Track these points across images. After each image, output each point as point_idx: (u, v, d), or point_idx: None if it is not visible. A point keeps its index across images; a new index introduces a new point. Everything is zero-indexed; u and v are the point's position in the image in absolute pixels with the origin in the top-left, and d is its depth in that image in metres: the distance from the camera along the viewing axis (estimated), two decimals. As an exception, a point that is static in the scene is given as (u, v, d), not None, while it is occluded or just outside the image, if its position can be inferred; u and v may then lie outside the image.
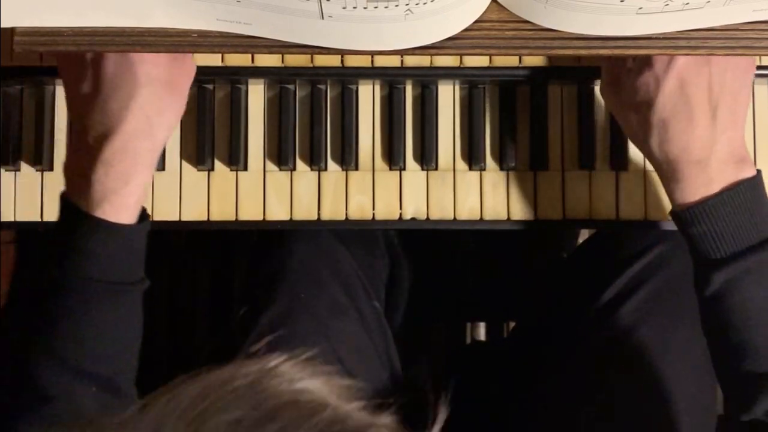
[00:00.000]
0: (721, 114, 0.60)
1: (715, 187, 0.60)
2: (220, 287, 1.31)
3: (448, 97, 0.75)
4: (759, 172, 0.61)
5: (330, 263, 0.84)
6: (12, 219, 0.74)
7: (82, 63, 0.62)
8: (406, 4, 0.59)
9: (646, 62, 0.62)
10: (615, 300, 0.77)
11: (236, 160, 0.74)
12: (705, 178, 0.60)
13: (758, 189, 0.61)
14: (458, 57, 0.73)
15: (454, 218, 0.75)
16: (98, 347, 0.62)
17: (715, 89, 0.61)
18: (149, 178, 0.63)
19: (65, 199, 0.63)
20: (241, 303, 0.85)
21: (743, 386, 0.60)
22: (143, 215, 0.63)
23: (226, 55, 0.73)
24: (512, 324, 1.29)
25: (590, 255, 0.90)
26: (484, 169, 0.75)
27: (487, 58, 0.73)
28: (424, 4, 0.59)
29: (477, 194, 0.75)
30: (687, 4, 0.61)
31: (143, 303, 0.65)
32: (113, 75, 0.61)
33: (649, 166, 0.71)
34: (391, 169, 0.75)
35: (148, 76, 0.62)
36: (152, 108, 0.62)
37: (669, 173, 0.62)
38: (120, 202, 0.61)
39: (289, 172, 0.75)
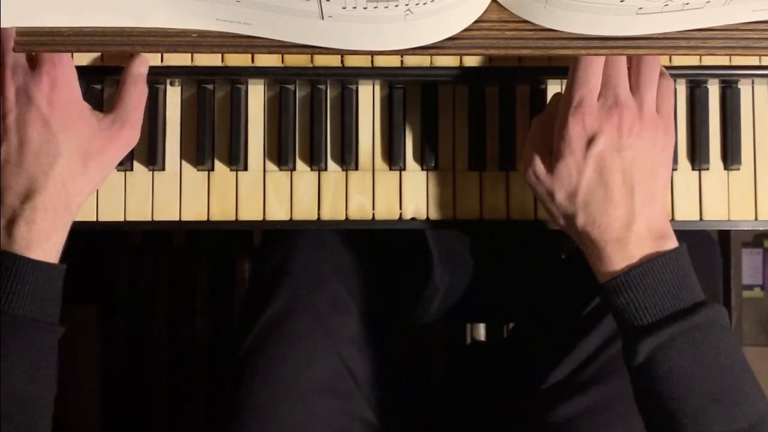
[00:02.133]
0: (638, 193, 0.63)
1: (636, 261, 0.62)
2: (220, 287, 1.31)
3: (448, 97, 0.75)
4: (682, 245, 0.63)
5: (332, 260, 0.84)
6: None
7: (2, 132, 0.65)
8: (406, 4, 0.59)
9: (566, 149, 0.64)
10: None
11: (236, 160, 0.74)
12: (625, 254, 0.63)
13: (680, 261, 0.63)
14: (458, 57, 0.73)
15: (454, 218, 0.75)
16: (5, 390, 0.62)
17: (629, 172, 0.63)
18: (65, 235, 0.67)
19: None
20: (244, 300, 0.85)
21: None
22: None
23: (226, 55, 0.73)
24: (511, 325, 1.29)
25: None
26: (484, 169, 0.75)
27: (487, 58, 0.73)
28: (424, 4, 0.59)
29: (477, 194, 0.75)
30: (687, 4, 0.61)
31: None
32: (36, 142, 0.64)
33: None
34: (391, 169, 0.75)
35: (68, 146, 0.65)
36: (69, 177, 0.66)
37: (593, 251, 0.64)
38: (42, 253, 0.64)
39: (289, 172, 0.75)
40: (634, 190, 0.63)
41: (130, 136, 0.69)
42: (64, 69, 0.66)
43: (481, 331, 1.30)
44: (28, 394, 0.63)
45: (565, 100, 0.65)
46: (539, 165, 0.66)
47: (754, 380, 0.62)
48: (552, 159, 0.65)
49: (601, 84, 0.65)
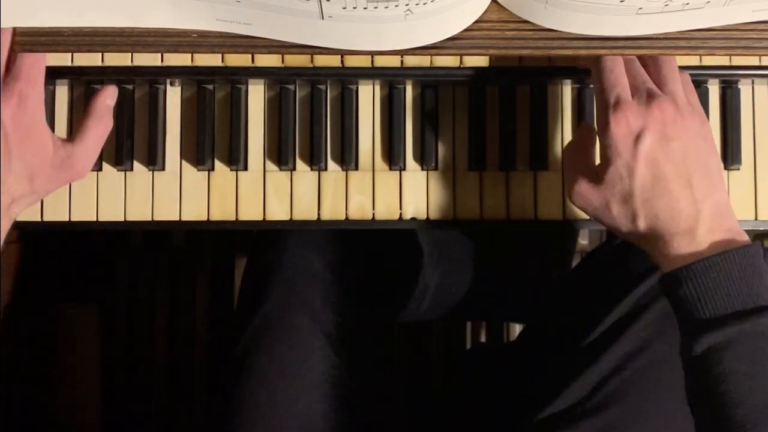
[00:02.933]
0: (696, 183, 0.62)
1: (704, 253, 0.61)
2: (220, 287, 1.31)
3: (448, 97, 0.75)
4: (756, 243, 0.61)
5: (324, 258, 0.84)
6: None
7: None
8: (406, 4, 0.59)
9: (613, 152, 0.63)
10: (628, 316, 0.77)
11: (236, 160, 0.74)
12: (693, 246, 0.61)
13: (750, 259, 0.60)
14: (458, 57, 0.73)
15: (454, 218, 0.75)
16: None
17: (682, 162, 0.62)
18: (2, 239, 0.67)
19: None
20: (238, 300, 0.85)
21: None
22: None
23: (226, 55, 0.73)
24: (511, 325, 1.29)
25: (599, 268, 0.90)
26: (485, 170, 0.75)
27: (487, 58, 0.73)
28: (424, 4, 0.59)
29: (477, 194, 0.75)
30: (687, 4, 0.61)
31: None
32: None
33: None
34: (391, 169, 0.75)
35: (21, 164, 0.66)
36: (15, 189, 0.67)
37: (659, 246, 0.63)
38: None
39: (289, 172, 0.75)
40: (692, 179, 0.62)
41: (79, 171, 0.70)
42: (36, 90, 0.67)
43: (481, 333, 1.30)
44: None
45: (600, 107, 0.64)
46: (584, 183, 0.65)
47: None
48: (599, 170, 0.64)
49: (629, 84, 0.64)
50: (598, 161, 0.66)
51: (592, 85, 0.73)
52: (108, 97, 0.72)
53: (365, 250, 0.90)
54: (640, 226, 0.63)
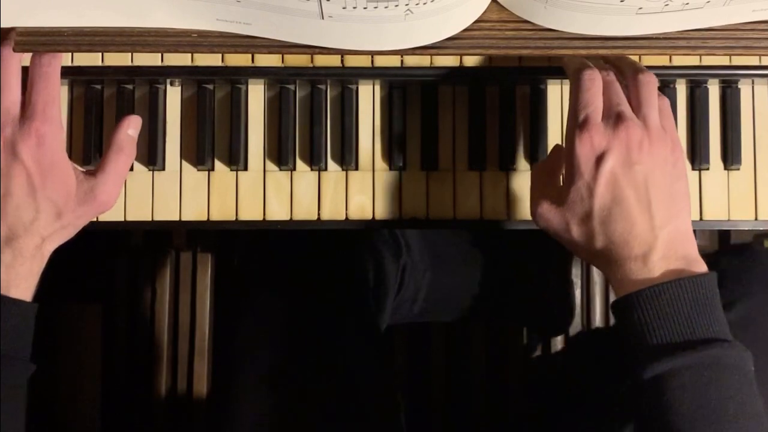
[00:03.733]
0: (656, 210, 0.61)
1: (656, 280, 0.60)
2: (221, 287, 1.31)
3: (448, 97, 0.75)
4: (711, 274, 0.61)
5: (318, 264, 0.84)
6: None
7: None
8: (406, 4, 0.59)
9: (576, 172, 0.63)
10: None
11: (236, 160, 0.74)
12: (646, 272, 0.61)
13: (703, 288, 0.60)
14: (458, 57, 0.73)
15: (454, 218, 0.75)
16: None
17: (644, 187, 0.62)
18: (37, 279, 0.68)
19: None
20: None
21: None
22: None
23: (226, 55, 0.73)
24: (510, 325, 1.29)
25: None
26: (484, 169, 0.75)
27: (487, 58, 0.73)
28: (424, 4, 0.59)
29: (477, 194, 0.75)
30: (687, 4, 0.61)
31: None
32: (18, 196, 0.66)
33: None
34: (391, 169, 0.75)
35: (47, 203, 0.66)
36: (45, 230, 0.67)
37: (613, 270, 0.62)
38: (18, 294, 0.66)
39: (289, 172, 0.75)
40: (650, 206, 0.61)
41: (103, 203, 0.69)
42: (53, 127, 0.66)
43: (482, 334, 1.30)
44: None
45: (570, 126, 0.64)
46: (546, 204, 0.65)
47: None
48: (562, 190, 0.64)
49: (603, 105, 0.64)
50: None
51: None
52: (130, 127, 0.71)
53: (353, 250, 0.90)
54: (596, 247, 0.63)
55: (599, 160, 0.62)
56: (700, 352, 0.58)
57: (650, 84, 0.65)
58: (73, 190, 0.67)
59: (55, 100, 0.67)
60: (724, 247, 0.92)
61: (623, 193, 0.61)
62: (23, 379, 0.66)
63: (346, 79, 0.74)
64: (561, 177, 0.68)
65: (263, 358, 0.81)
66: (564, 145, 0.65)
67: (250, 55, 0.73)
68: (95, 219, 0.72)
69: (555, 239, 0.66)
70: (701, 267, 0.62)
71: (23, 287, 0.66)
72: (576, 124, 0.63)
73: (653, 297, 0.60)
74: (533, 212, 0.67)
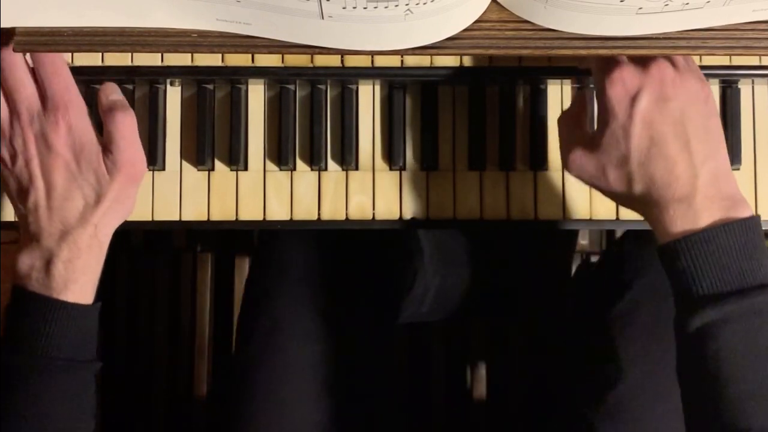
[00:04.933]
0: (695, 146, 0.59)
1: (702, 223, 0.58)
2: (221, 287, 1.31)
3: (448, 97, 0.75)
4: (756, 216, 0.59)
5: (327, 262, 0.85)
6: (12, 219, 0.74)
7: (27, 179, 0.66)
8: (406, 4, 0.59)
9: (609, 114, 0.61)
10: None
11: (236, 160, 0.74)
12: (691, 215, 0.59)
13: (750, 232, 0.58)
14: (458, 57, 0.73)
15: (454, 218, 0.75)
16: (52, 426, 0.65)
17: (681, 123, 0.60)
18: (100, 269, 0.68)
19: (21, 290, 0.66)
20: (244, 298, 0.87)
21: None
22: (97, 297, 0.68)
23: (226, 55, 0.73)
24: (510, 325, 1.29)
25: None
26: (485, 169, 0.75)
27: (487, 58, 0.73)
28: (424, 4, 0.59)
29: (477, 194, 0.75)
30: (687, 4, 0.61)
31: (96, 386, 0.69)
32: (62, 186, 0.66)
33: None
34: (391, 169, 0.75)
35: (90, 188, 0.66)
36: (95, 215, 0.66)
37: (656, 213, 0.60)
38: (78, 289, 0.66)
39: (289, 172, 0.75)
40: (689, 143, 0.59)
41: (130, 168, 0.67)
42: (77, 112, 0.66)
43: (482, 334, 1.30)
44: (71, 429, 0.66)
45: (598, 71, 0.63)
46: (579, 151, 0.63)
47: None
48: (595, 135, 0.62)
49: None
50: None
51: (592, 85, 0.73)
52: (108, 94, 0.70)
53: (364, 252, 0.91)
54: (636, 191, 0.61)
55: (633, 99, 0.60)
56: (752, 299, 0.57)
57: None
58: (104, 168, 0.67)
59: (71, 86, 0.67)
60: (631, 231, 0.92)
61: (661, 131, 0.59)
62: (87, 379, 0.67)
63: (346, 79, 0.74)
64: (587, 123, 0.67)
65: (285, 348, 0.81)
66: (595, 92, 0.64)
67: (250, 55, 0.73)
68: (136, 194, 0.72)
69: (594, 188, 0.65)
70: (746, 208, 0.59)
71: (82, 281, 0.66)
72: (604, 68, 0.62)
73: (702, 242, 0.57)
74: (565, 160, 0.65)
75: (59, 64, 0.67)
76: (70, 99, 0.66)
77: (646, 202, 0.61)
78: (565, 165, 0.65)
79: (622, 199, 0.64)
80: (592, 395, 0.79)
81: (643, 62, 0.61)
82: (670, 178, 0.59)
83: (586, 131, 0.66)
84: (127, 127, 0.68)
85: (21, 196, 0.67)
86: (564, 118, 0.68)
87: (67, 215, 0.66)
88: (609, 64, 0.62)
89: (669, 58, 0.62)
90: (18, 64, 0.67)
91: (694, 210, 0.59)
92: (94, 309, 0.67)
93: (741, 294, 0.57)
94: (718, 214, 0.58)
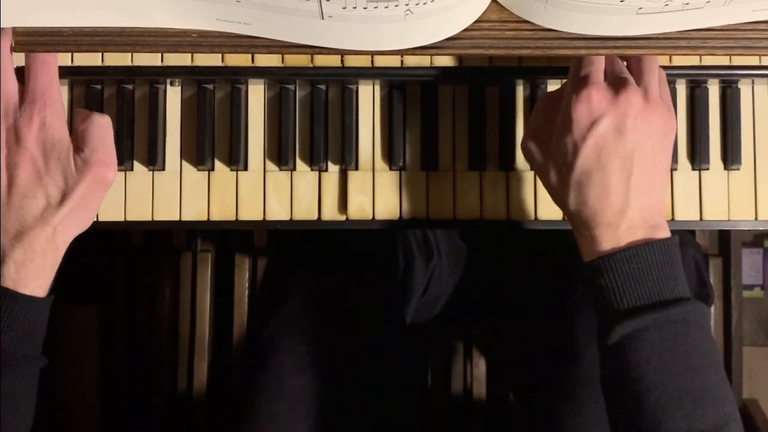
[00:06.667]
0: (635, 182, 0.62)
1: (624, 245, 0.61)
2: (221, 287, 1.31)
3: (448, 97, 0.75)
4: (674, 237, 0.62)
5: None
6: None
7: None
8: (406, 4, 0.59)
9: (567, 125, 0.63)
10: None
11: (236, 160, 0.74)
12: (615, 238, 0.62)
13: (668, 252, 0.61)
14: (458, 57, 0.73)
15: (454, 218, 0.75)
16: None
17: (630, 158, 0.62)
18: (53, 274, 0.66)
19: None
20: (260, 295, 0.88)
21: None
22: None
23: (226, 55, 0.73)
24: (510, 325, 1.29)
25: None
26: (484, 169, 0.75)
27: (487, 58, 0.73)
28: (424, 4, 0.59)
29: (477, 194, 0.75)
30: (687, 4, 0.61)
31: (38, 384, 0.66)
32: (25, 184, 0.64)
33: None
34: (391, 169, 0.75)
35: (54, 188, 0.65)
36: (55, 218, 0.65)
37: (581, 231, 0.63)
38: (28, 293, 0.64)
39: (289, 172, 0.75)
40: (631, 177, 0.62)
41: (100, 173, 0.66)
42: (54, 110, 0.65)
43: (481, 334, 1.30)
44: (9, 425, 0.63)
45: (572, 78, 0.64)
46: (535, 139, 0.66)
47: (725, 385, 0.60)
48: (552, 133, 0.64)
49: (605, 67, 0.64)
50: None
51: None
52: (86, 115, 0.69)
53: (385, 250, 0.91)
54: (569, 204, 0.64)
55: (593, 123, 0.62)
56: (668, 311, 0.59)
57: (652, 57, 0.65)
58: (73, 167, 0.65)
59: (54, 84, 0.66)
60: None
61: (608, 161, 0.62)
62: (33, 373, 0.65)
63: (346, 79, 0.74)
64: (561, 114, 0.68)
65: (297, 346, 0.82)
66: (566, 90, 0.65)
67: (250, 55, 0.73)
68: (94, 219, 0.72)
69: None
70: (665, 230, 0.63)
71: (33, 286, 0.64)
72: (578, 79, 0.63)
73: (624, 261, 0.60)
74: (522, 141, 0.68)
75: (49, 62, 0.66)
76: (51, 96, 0.65)
77: (575, 218, 0.64)
78: (522, 144, 0.68)
79: (557, 203, 0.66)
80: (552, 378, 0.80)
81: (616, 86, 0.63)
82: (603, 204, 0.62)
83: (552, 123, 0.66)
84: (103, 126, 0.68)
85: None
86: (543, 98, 0.69)
87: (26, 214, 0.64)
88: (583, 80, 0.63)
89: (645, 87, 0.63)
90: (5, 60, 0.66)
91: (618, 235, 0.62)
92: (45, 303, 0.65)
93: (660, 306, 0.60)
94: (640, 238, 0.62)
